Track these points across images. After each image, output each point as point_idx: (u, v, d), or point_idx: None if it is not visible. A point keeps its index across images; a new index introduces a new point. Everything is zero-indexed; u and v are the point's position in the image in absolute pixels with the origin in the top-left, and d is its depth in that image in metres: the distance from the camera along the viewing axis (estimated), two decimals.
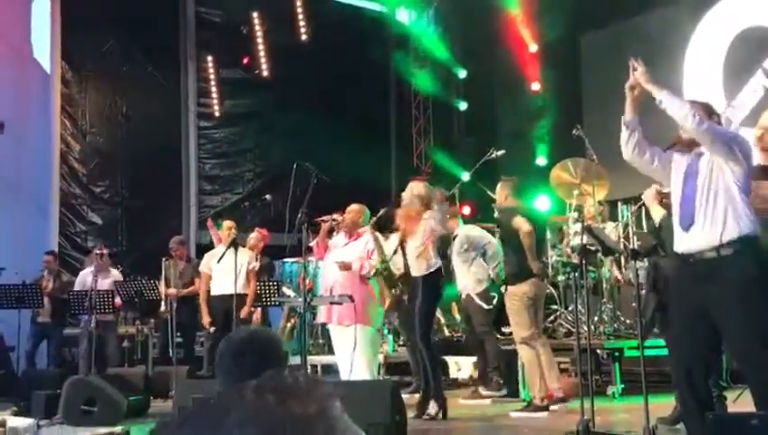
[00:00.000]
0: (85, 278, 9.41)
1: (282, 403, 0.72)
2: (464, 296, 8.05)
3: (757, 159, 4.47)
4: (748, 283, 3.76)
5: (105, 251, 9.74)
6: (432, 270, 6.69)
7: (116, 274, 9.79)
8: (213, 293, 8.68)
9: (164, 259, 9.42)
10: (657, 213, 4.74)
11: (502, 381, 7.69)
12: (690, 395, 3.92)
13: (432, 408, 6.53)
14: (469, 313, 8.06)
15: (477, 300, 7.82)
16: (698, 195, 3.92)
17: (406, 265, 6.78)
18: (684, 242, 3.96)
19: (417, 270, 6.64)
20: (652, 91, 4.09)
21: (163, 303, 9.18)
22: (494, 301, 7.92)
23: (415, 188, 6.87)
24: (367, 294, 6.97)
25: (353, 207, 7.22)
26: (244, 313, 8.33)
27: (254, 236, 9.53)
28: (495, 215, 7.23)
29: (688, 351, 3.95)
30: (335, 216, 7.09)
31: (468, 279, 7.93)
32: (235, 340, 2.15)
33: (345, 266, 6.70)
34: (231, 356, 2.09)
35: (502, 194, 7.04)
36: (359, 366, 6.66)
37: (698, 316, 3.87)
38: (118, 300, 9.09)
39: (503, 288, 6.98)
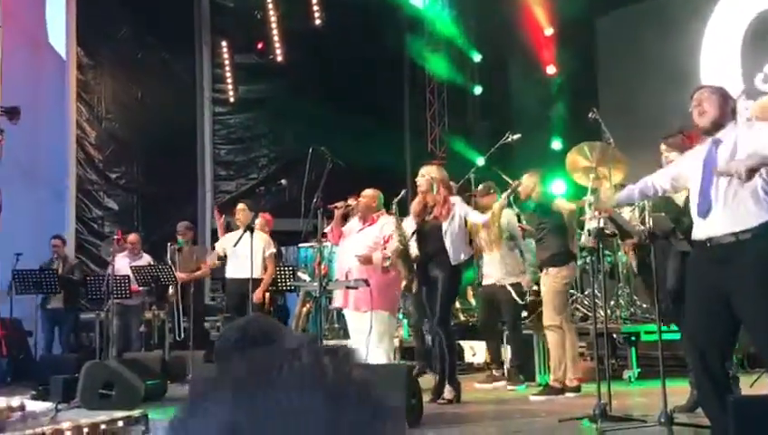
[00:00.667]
0: (119, 263, 9.30)
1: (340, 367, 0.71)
2: (486, 283, 7.95)
3: None
4: (767, 265, 3.74)
5: (134, 237, 9.83)
6: (467, 258, 6.73)
7: (148, 258, 9.86)
8: (229, 276, 8.71)
9: (169, 244, 9.46)
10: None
11: (522, 378, 7.66)
12: (706, 378, 3.92)
13: (448, 392, 6.54)
14: (495, 301, 7.92)
15: (513, 292, 7.72)
16: (715, 182, 3.90)
17: (422, 251, 6.78)
18: (702, 229, 3.95)
19: (453, 256, 6.59)
20: (754, 166, 3.78)
21: (171, 287, 9.24)
22: (528, 296, 7.95)
23: (433, 172, 6.85)
24: (383, 279, 6.97)
25: (368, 192, 7.20)
26: (257, 297, 8.34)
27: (258, 222, 9.47)
28: (527, 203, 7.28)
29: (704, 334, 3.95)
30: (350, 201, 7.08)
31: (498, 268, 7.80)
32: (232, 329, 2.17)
33: (366, 260, 6.67)
34: (232, 346, 2.10)
35: (529, 184, 7.06)
36: (375, 351, 6.68)
37: (715, 300, 3.87)
38: (135, 286, 9.13)
39: (543, 272, 6.97)
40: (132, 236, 9.99)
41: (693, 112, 4.11)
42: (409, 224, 7.06)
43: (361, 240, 7.00)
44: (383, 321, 6.74)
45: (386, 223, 7.09)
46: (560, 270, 6.77)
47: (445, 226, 6.66)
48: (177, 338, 9.07)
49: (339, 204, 7.03)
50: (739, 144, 3.93)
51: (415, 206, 6.89)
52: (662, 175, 4.45)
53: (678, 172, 4.32)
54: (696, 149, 4.27)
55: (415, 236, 6.80)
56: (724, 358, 4.10)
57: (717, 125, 4.04)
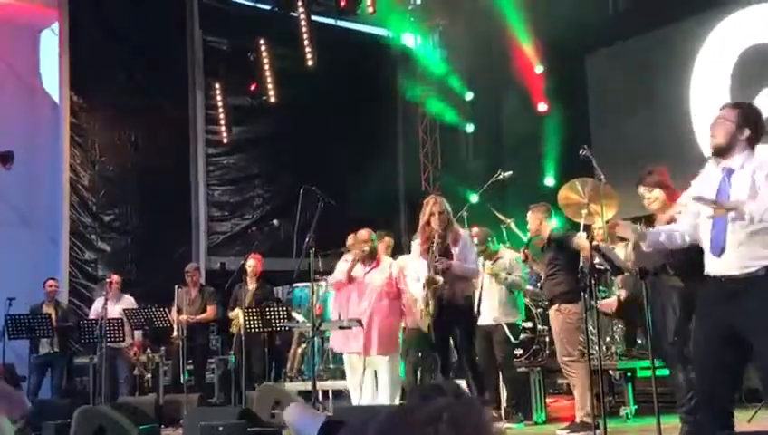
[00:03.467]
0: (98, 307, 9.38)
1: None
2: (483, 323, 7.68)
3: None
4: None
5: (116, 278, 9.79)
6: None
7: (129, 299, 9.81)
8: None
9: (177, 286, 9.41)
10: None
11: (521, 416, 7.58)
12: (710, 414, 3.87)
13: None
14: (491, 339, 7.87)
15: (507, 331, 7.70)
16: (730, 221, 3.81)
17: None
18: (715, 266, 3.89)
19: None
20: (737, 209, 3.76)
21: (175, 330, 9.18)
22: (521, 335, 7.93)
23: (444, 204, 6.83)
24: (396, 321, 7.13)
25: (363, 234, 7.37)
26: None
27: (252, 264, 9.46)
28: (535, 238, 7.28)
29: (712, 375, 3.89)
30: (365, 247, 7.18)
31: (496, 307, 7.73)
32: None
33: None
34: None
35: (536, 220, 7.08)
36: (387, 393, 6.75)
37: (725, 338, 3.81)
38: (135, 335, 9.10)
39: (553, 308, 6.91)
40: (114, 278, 9.94)
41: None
42: (415, 260, 7.11)
43: (372, 281, 7.18)
44: (397, 363, 6.91)
45: (391, 263, 7.32)
46: (574, 307, 6.74)
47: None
48: (182, 381, 8.96)
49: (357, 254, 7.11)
50: (757, 178, 3.81)
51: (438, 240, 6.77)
52: (683, 221, 4.25)
53: (697, 211, 4.09)
54: (704, 179, 4.13)
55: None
56: (732, 395, 4.04)
57: (722, 151, 3.94)
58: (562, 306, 6.79)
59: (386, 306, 7.15)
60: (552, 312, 6.95)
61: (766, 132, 4.05)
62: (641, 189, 5.62)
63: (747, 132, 3.92)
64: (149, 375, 10.07)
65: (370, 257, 7.27)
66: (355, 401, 7.15)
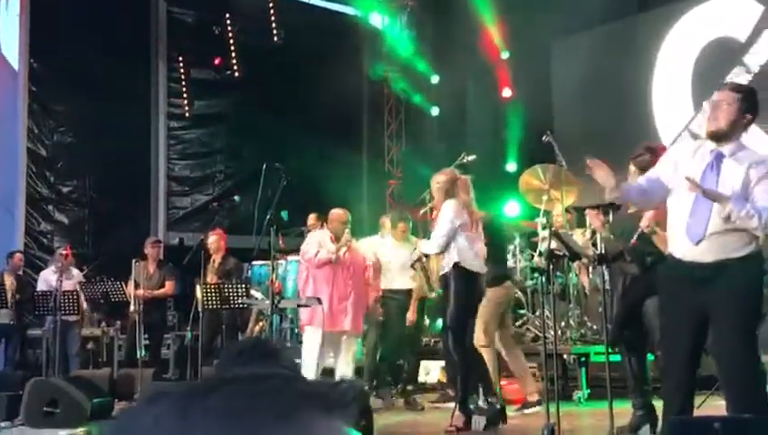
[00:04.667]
0: (48, 278, 9.29)
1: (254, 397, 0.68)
2: None
3: None
4: (748, 287, 3.77)
5: (70, 251, 9.64)
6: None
7: (77, 274, 9.68)
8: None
9: (134, 260, 9.30)
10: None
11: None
12: (676, 396, 3.92)
13: (456, 418, 6.16)
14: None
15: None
16: (714, 213, 3.73)
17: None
18: (686, 251, 3.83)
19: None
20: (720, 201, 3.68)
21: (132, 304, 9.08)
22: None
23: (437, 178, 6.71)
24: (365, 302, 7.32)
25: (338, 212, 7.49)
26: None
27: (213, 240, 9.38)
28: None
29: (677, 359, 3.93)
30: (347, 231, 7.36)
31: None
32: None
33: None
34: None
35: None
36: (346, 371, 7.03)
37: (691, 323, 3.83)
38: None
39: None
40: (69, 250, 9.81)
41: (708, 112, 3.89)
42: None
43: (352, 261, 7.32)
44: (356, 343, 7.05)
45: (359, 244, 7.57)
46: (500, 289, 6.84)
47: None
48: (140, 356, 8.87)
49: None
50: (751, 175, 3.74)
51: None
52: (658, 181, 4.03)
53: (657, 179, 3.98)
54: (687, 153, 3.98)
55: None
56: (694, 378, 4.04)
57: (721, 137, 3.83)
58: (489, 291, 6.74)
59: (362, 286, 7.32)
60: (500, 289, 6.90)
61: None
62: (631, 166, 5.55)
63: (748, 117, 3.83)
64: (104, 350, 9.97)
65: (344, 238, 7.39)
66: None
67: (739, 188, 3.72)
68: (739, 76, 10.21)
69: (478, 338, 6.73)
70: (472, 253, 6.18)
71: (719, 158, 3.83)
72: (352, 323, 7.18)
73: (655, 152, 5.38)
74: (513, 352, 7.08)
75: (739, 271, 3.74)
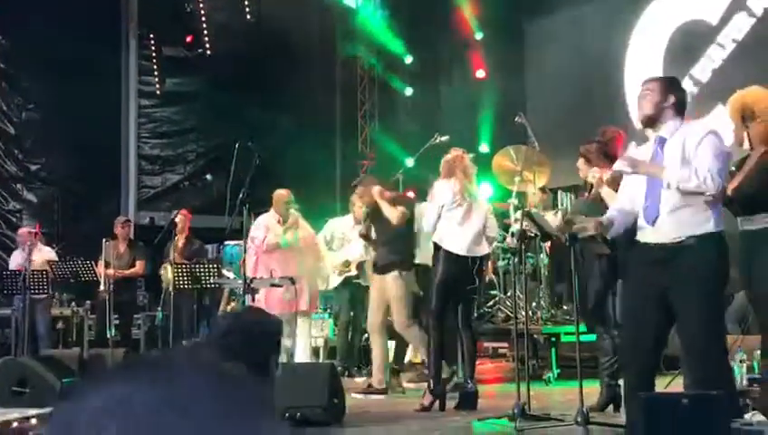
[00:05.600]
0: (18, 258, 9.18)
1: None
2: None
3: None
4: (707, 267, 3.83)
5: (39, 229, 9.54)
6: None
7: (48, 250, 9.56)
8: None
9: (105, 240, 9.21)
10: (609, 195, 4.83)
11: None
12: (637, 376, 3.98)
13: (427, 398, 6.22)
14: None
15: None
16: (664, 191, 3.86)
17: None
18: (648, 234, 3.95)
19: (482, 249, 6.42)
20: (656, 174, 3.87)
21: (102, 284, 9.00)
22: None
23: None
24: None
25: (282, 193, 7.63)
26: None
27: (179, 220, 9.32)
28: None
29: (638, 339, 4.00)
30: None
31: None
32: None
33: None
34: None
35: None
36: (305, 351, 6.86)
37: (653, 300, 3.90)
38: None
39: (391, 274, 6.89)
40: (25, 229, 9.68)
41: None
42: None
43: (297, 240, 7.43)
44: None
45: (304, 223, 7.63)
46: (412, 274, 7.01)
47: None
48: (111, 336, 8.81)
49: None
50: (687, 146, 3.90)
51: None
52: (623, 200, 4.19)
53: (630, 187, 4.13)
54: (639, 150, 4.26)
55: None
56: (656, 359, 4.14)
57: (652, 120, 4.03)
58: (404, 273, 6.84)
59: (314, 263, 7.27)
60: (389, 278, 6.88)
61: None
62: (579, 161, 5.75)
63: (672, 99, 4.02)
64: (74, 329, 9.90)
65: (287, 215, 7.50)
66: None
67: (679, 160, 3.87)
68: (710, 59, 10.30)
69: (402, 319, 6.81)
70: (452, 234, 6.21)
71: (662, 142, 4.00)
72: (308, 303, 7.30)
73: (606, 142, 5.48)
74: (378, 340, 7.13)
75: (697, 250, 3.81)
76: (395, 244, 6.86)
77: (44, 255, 9.34)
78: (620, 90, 11.19)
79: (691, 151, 3.88)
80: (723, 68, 10.17)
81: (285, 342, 7.36)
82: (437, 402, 6.15)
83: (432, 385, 6.19)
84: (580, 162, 5.69)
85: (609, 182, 5.01)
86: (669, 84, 4.15)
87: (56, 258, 9.35)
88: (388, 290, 6.81)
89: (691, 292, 3.81)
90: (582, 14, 11.76)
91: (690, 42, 10.59)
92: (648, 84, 4.12)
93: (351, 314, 8.73)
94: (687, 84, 10.23)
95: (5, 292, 9.09)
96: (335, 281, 8.75)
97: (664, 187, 3.82)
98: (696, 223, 3.85)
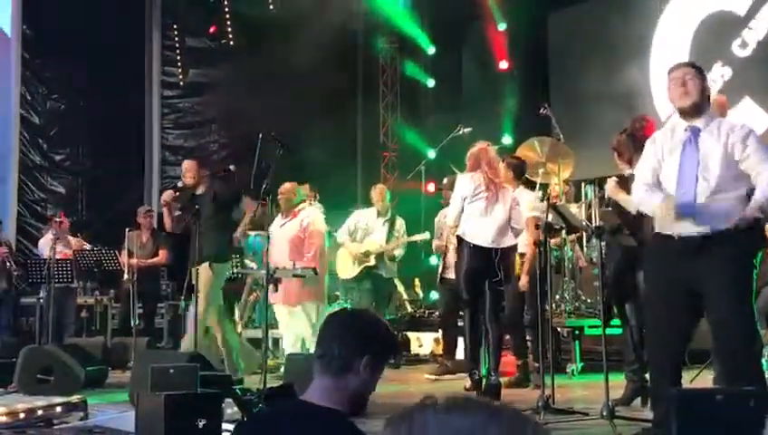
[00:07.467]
0: (45, 246, 9.26)
1: None
2: (450, 276, 7.56)
3: None
4: (741, 257, 3.73)
5: (65, 219, 9.59)
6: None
7: (75, 241, 9.63)
8: None
9: (128, 229, 9.26)
10: (626, 200, 4.71)
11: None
12: (663, 370, 3.92)
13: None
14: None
15: None
16: (701, 182, 3.76)
17: None
18: (677, 226, 3.81)
19: (507, 241, 6.31)
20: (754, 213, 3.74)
21: (126, 273, 9.05)
22: None
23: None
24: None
25: (286, 186, 7.64)
26: None
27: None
28: None
29: (664, 331, 3.91)
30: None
31: None
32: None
33: None
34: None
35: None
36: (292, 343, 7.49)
37: (680, 293, 3.81)
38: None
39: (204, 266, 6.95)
40: (64, 218, 9.75)
41: (672, 90, 3.92)
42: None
43: (284, 235, 7.46)
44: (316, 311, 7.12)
45: (306, 216, 7.60)
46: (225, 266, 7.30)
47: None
48: (134, 325, 8.86)
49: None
50: (733, 145, 3.76)
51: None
52: (645, 175, 4.04)
53: (654, 169, 4.00)
54: (665, 138, 3.99)
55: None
56: (682, 351, 4.08)
57: (698, 109, 3.87)
58: (215, 265, 7.01)
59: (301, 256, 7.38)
60: (201, 269, 6.89)
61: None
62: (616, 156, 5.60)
63: (708, 89, 3.93)
64: (98, 318, 9.97)
65: (289, 209, 7.63)
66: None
67: (721, 157, 3.74)
68: (737, 51, 10.18)
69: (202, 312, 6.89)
70: (474, 225, 6.18)
71: (696, 132, 3.85)
72: (308, 295, 7.40)
73: (633, 132, 5.36)
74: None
75: (730, 241, 3.71)
76: None
77: (73, 245, 9.40)
78: (646, 81, 11.08)
79: (737, 150, 3.75)
80: (750, 60, 10.05)
81: (306, 331, 7.41)
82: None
83: (472, 372, 6.35)
84: (615, 156, 5.52)
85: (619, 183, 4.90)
86: (704, 74, 3.98)
87: (87, 246, 9.44)
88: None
89: (723, 284, 3.70)
90: (606, 3, 11.66)
91: (717, 32, 10.46)
92: (684, 69, 3.94)
93: (373, 303, 8.72)
94: (715, 75, 10.13)
95: (30, 280, 9.16)
96: (354, 271, 8.78)
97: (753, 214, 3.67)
98: (736, 212, 3.74)
